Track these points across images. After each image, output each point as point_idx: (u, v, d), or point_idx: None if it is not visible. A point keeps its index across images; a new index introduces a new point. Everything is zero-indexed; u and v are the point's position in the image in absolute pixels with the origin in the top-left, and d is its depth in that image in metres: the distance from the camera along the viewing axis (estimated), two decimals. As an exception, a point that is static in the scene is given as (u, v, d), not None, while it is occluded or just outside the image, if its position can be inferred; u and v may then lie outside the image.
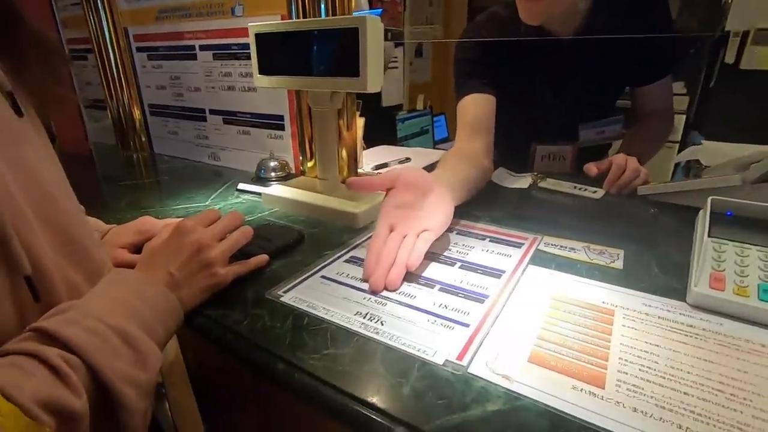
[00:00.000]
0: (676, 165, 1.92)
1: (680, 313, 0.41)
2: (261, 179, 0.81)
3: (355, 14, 0.73)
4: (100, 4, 1.00)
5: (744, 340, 0.38)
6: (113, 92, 1.07)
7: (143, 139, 1.13)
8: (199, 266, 0.42)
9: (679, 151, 2.27)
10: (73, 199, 0.39)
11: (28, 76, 0.36)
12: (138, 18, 0.99)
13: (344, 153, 0.76)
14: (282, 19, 0.75)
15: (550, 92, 0.93)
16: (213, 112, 0.94)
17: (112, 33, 1.02)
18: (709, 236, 0.46)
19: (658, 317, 0.41)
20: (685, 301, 0.43)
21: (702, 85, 2.55)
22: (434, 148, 2.39)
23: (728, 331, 0.39)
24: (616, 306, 0.42)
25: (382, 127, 2.12)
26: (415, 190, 0.54)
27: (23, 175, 0.32)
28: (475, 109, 0.85)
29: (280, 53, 0.63)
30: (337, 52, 0.57)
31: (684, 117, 2.47)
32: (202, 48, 0.89)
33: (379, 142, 1.21)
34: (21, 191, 0.31)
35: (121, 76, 1.06)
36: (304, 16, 0.69)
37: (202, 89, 0.93)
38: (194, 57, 0.91)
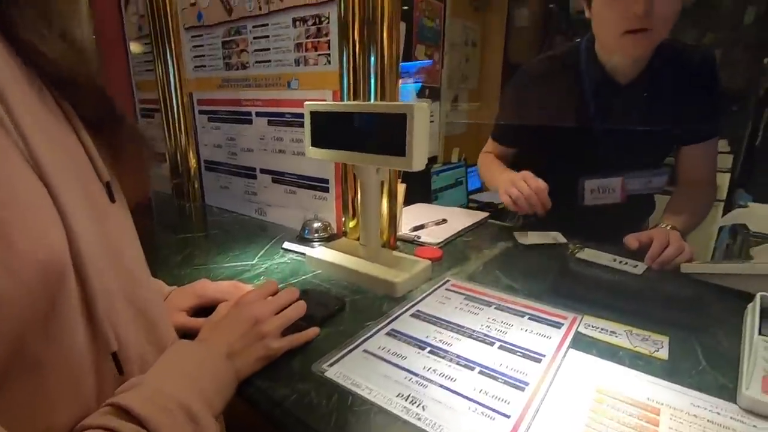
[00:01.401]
0: (721, 228, 1.85)
1: (731, 417, 0.40)
2: (305, 239, 0.86)
3: (401, 86, 0.79)
4: (171, 70, 1.12)
5: (802, 455, 0.36)
6: (175, 146, 1.17)
7: (196, 185, 1.22)
8: (255, 338, 0.45)
9: (725, 209, 2.20)
10: (148, 272, 0.43)
11: (125, 168, 0.41)
12: (203, 85, 1.10)
13: (385, 218, 0.80)
14: (333, 95, 0.82)
15: (604, 130, 0.94)
16: (263, 171, 1.01)
17: (179, 96, 1.13)
18: (760, 334, 0.45)
19: (707, 420, 0.40)
20: (735, 403, 0.42)
21: (747, 142, 2.49)
22: (467, 198, 2.41)
23: (785, 443, 0.37)
24: (662, 404, 0.42)
25: (417, 178, 2.18)
26: None
27: (108, 251, 0.35)
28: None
29: (332, 129, 0.69)
30: (386, 133, 0.62)
31: (728, 175, 2.41)
32: (258, 114, 0.97)
33: (413, 193, 1.24)
34: (108, 268, 0.35)
35: (182, 132, 1.16)
36: (354, 94, 0.75)
37: (255, 150, 1.01)
38: (250, 122, 1.00)
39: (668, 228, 0.81)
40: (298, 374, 0.46)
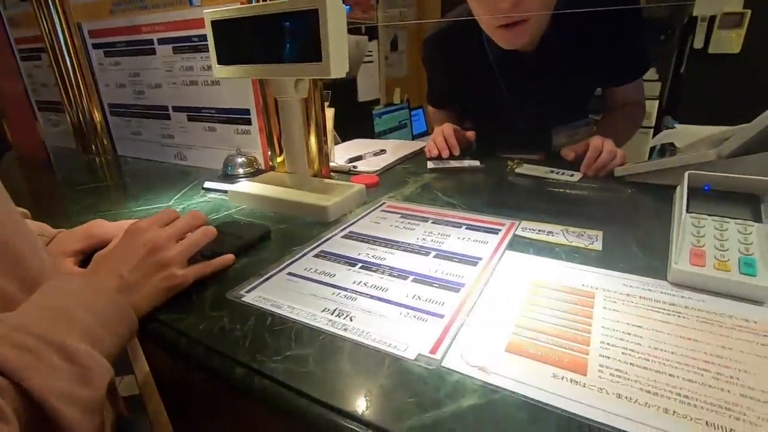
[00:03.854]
0: (652, 149, 1.95)
1: (661, 292, 0.40)
2: (228, 177, 0.78)
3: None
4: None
5: (727, 316, 0.36)
6: (70, 93, 1.01)
7: (105, 141, 1.08)
8: (154, 268, 0.39)
9: (654, 135, 2.31)
10: (8, 203, 0.35)
11: None
12: (91, 12, 0.94)
13: (314, 145, 0.73)
14: (240, 5, 0.71)
15: (517, 102, 0.93)
16: (176, 109, 0.89)
17: (65, 30, 0.96)
18: (687, 212, 0.45)
19: (639, 297, 0.39)
20: (666, 280, 0.42)
21: (673, 70, 2.59)
22: (413, 140, 2.37)
23: (711, 308, 0.37)
24: (597, 288, 0.41)
25: (360, 122, 2.09)
26: None
27: None
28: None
29: (238, 41, 0.60)
30: (298, 36, 0.54)
31: (657, 102, 2.51)
32: (161, 42, 0.85)
33: (357, 137, 1.18)
34: None
35: (78, 75, 1.00)
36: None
37: (164, 85, 0.89)
38: (153, 52, 0.87)
39: (601, 137, 0.80)
40: (210, 304, 0.40)
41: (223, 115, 0.83)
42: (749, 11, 2.22)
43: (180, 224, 0.43)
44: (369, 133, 2.02)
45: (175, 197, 0.72)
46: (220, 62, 0.63)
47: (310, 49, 0.53)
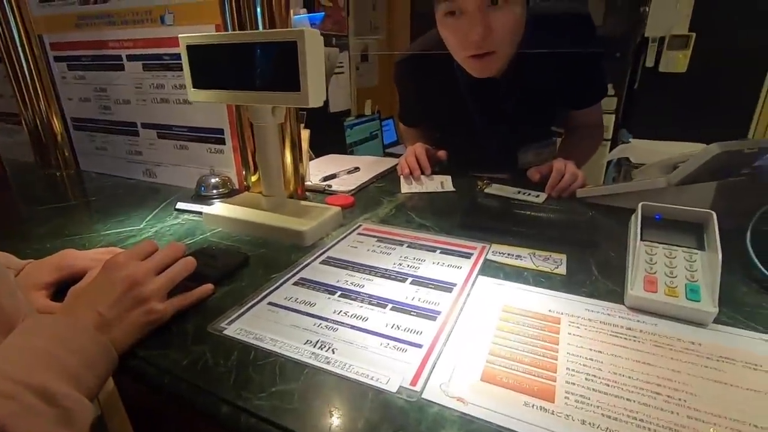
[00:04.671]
0: (609, 162, 2.06)
1: (619, 317, 0.43)
2: (202, 197, 0.77)
3: (294, 18, 0.71)
4: (7, 9, 0.90)
5: (676, 339, 0.40)
6: (29, 105, 0.97)
7: (66, 154, 1.04)
8: (134, 303, 0.38)
9: (611, 148, 2.45)
10: None
11: None
12: (54, 24, 0.90)
13: (289, 166, 0.74)
14: (216, 30, 0.72)
15: (486, 125, 0.97)
16: (146, 125, 0.88)
17: (24, 41, 0.92)
18: (641, 240, 0.49)
19: (600, 322, 0.43)
20: (623, 304, 0.45)
21: (627, 87, 2.75)
22: (384, 152, 2.40)
23: (662, 331, 0.41)
24: (562, 313, 0.44)
25: (330, 133, 2.09)
26: None
27: None
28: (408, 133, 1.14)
29: (215, 66, 0.60)
30: (276, 65, 0.55)
31: (613, 117, 2.66)
32: (130, 58, 0.83)
33: (327, 148, 1.19)
34: None
35: (37, 87, 0.96)
36: (240, 26, 0.66)
37: (132, 102, 0.87)
38: (121, 68, 0.85)
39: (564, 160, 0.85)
40: (192, 337, 0.41)
41: (196, 134, 0.82)
42: (693, 34, 2.40)
43: (159, 257, 0.43)
44: (340, 144, 2.03)
45: (147, 219, 0.71)
46: (195, 86, 0.62)
47: (289, 78, 0.54)
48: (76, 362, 0.32)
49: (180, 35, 0.60)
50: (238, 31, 0.65)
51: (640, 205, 0.51)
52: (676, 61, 2.49)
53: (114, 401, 0.49)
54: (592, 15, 0.90)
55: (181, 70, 0.77)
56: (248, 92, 0.58)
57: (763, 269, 0.48)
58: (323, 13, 2.19)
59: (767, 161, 0.59)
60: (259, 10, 0.65)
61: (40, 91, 0.96)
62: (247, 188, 0.79)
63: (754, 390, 0.34)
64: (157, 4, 0.76)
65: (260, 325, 0.42)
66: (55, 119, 1.00)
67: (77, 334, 0.34)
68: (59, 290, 0.47)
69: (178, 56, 0.77)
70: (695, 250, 0.47)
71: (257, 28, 0.66)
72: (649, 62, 2.54)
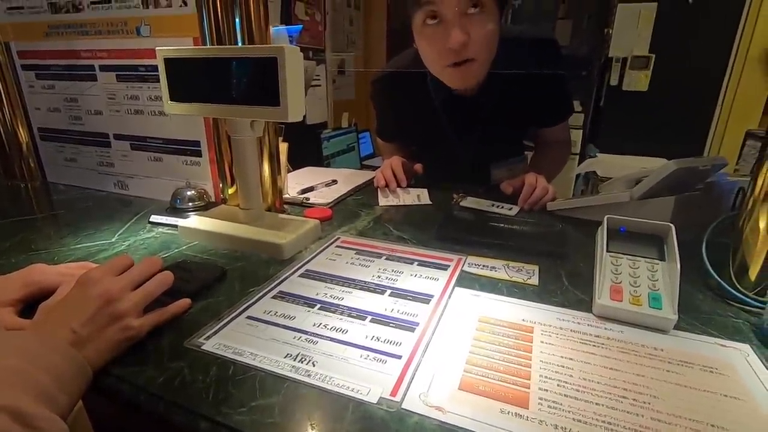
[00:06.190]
0: (577, 176, 2.15)
1: (588, 325, 0.45)
2: (177, 210, 0.76)
3: (273, 30, 0.72)
4: (-28, 15, 0.87)
5: (641, 345, 0.42)
6: (-7, 114, 0.94)
7: (32, 164, 1.00)
8: (109, 320, 0.38)
9: (579, 162, 2.55)
10: None
11: None
12: (22, 33, 0.88)
13: (267, 179, 0.74)
14: (194, 42, 0.72)
15: (460, 140, 1.01)
16: (118, 137, 0.86)
17: (-10, 48, 0.89)
18: (607, 251, 0.51)
19: (571, 330, 0.45)
20: (591, 313, 0.47)
21: (593, 103, 2.88)
22: (360, 164, 2.41)
23: (627, 338, 0.43)
24: (535, 323, 0.46)
25: (307, 145, 2.10)
26: None
27: None
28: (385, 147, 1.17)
29: (193, 79, 0.60)
30: (256, 80, 0.55)
31: (581, 132, 2.77)
32: (103, 68, 0.82)
33: (304, 160, 1.19)
34: None
35: (2, 95, 0.93)
36: (218, 39, 0.67)
37: (105, 113, 0.85)
38: (94, 78, 0.83)
39: (535, 174, 0.89)
40: (168, 353, 0.40)
41: (171, 146, 0.81)
42: (653, 55, 2.55)
43: (135, 272, 0.42)
44: (317, 156, 2.03)
45: (119, 232, 0.69)
46: (172, 99, 0.62)
47: (269, 93, 0.54)
48: (49, 381, 0.31)
49: (157, 48, 0.60)
50: (218, 46, 0.66)
51: (605, 218, 0.53)
52: (638, 80, 2.63)
53: (81, 420, 0.48)
54: (558, 38, 0.95)
55: (157, 81, 0.77)
56: (227, 106, 0.58)
57: (717, 278, 0.51)
58: (301, 26, 2.21)
59: (719, 177, 0.64)
60: (238, 23, 0.65)
61: (5, 100, 0.93)
62: (224, 201, 0.78)
63: (710, 392, 0.36)
64: (133, 15, 0.75)
65: (239, 340, 0.42)
66: (20, 129, 0.97)
67: (50, 351, 0.33)
68: (27, 306, 0.45)
69: (154, 68, 0.77)
70: (657, 261, 0.50)
71: (236, 42, 0.66)
72: (613, 81, 2.68)
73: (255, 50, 0.55)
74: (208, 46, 0.66)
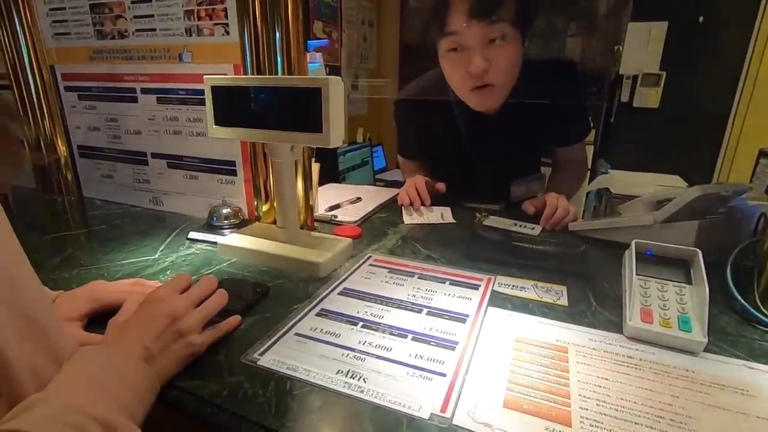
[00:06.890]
0: (588, 192, 2.17)
1: (620, 346, 0.48)
2: (213, 227, 0.79)
3: (310, 66, 0.76)
4: (20, 37, 0.92)
5: (672, 367, 0.44)
6: (33, 130, 0.98)
7: (69, 178, 1.05)
8: (174, 336, 0.41)
9: (590, 178, 2.56)
10: (35, 277, 0.36)
11: None
12: (68, 56, 0.93)
13: (301, 198, 0.77)
14: (235, 69, 0.76)
15: (481, 159, 1.04)
16: (156, 156, 0.90)
17: (35, 69, 0.94)
18: (636, 274, 0.53)
19: (604, 351, 0.47)
20: (622, 334, 0.50)
21: (604, 120, 2.92)
22: (374, 177, 2.45)
23: (659, 360, 0.45)
24: (569, 343, 0.48)
25: (323, 160, 2.14)
26: None
27: None
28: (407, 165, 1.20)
29: (238, 106, 0.63)
30: (300, 108, 0.59)
31: (592, 148, 2.80)
32: (145, 91, 0.86)
33: (322, 176, 1.23)
34: None
35: (45, 114, 0.98)
36: (258, 68, 0.70)
37: (144, 132, 0.89)
38: (135, 100, 0.87)
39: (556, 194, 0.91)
40: (226, 368, 0.43)
41: (207, 164, 0.85)
42: (664, 73, 2.58)
43: (197, 291, 0.45)
44: (333, 170, 2.07)
45: (160, 249, 0.72)
46: (217, 123, 0.66)
47: (312, 121, 0.58)
48: (131, 396, 0.34)
49: (206, 76, 0.64)
50: (262, 76, 0.69)
51: (633, 242, 0.56)
52: (649, 97, 2.66)
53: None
54: (569, 55, 1.00)
55: (196, 104, 0.81)
56: (270, 131, 0.61)
57: (743, 301, 0.53)
58: (327, 39, 2.28)
59: (741, 202, 0.66)
60: (278, 55, 0.69)
61: (47, 118, 0.98)
62: (258, 218, 0.82)
63: (743, 413, 0.38)
64: (177, 42, 0.80)
65: (291, 356, 0.45)
66: (60, 145, 1.01)
67: (131, 368, 0.36)
68: (90, 321, 0.48)
69: (194, 91, 0.81)
70: (684, 284, 0.52)
71: (276, 71, 0.70)
72: (624, 98, 2.71)
73: (300, 81, 0.58)
74: (255, 76, 0.70)
